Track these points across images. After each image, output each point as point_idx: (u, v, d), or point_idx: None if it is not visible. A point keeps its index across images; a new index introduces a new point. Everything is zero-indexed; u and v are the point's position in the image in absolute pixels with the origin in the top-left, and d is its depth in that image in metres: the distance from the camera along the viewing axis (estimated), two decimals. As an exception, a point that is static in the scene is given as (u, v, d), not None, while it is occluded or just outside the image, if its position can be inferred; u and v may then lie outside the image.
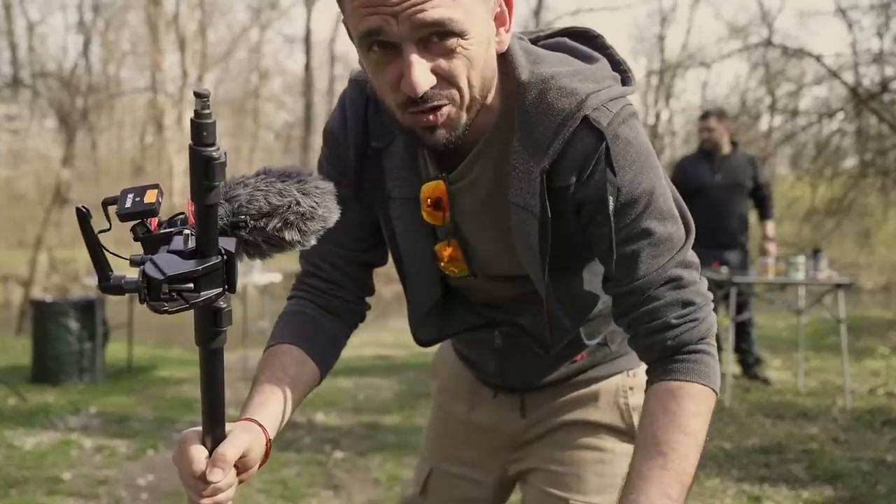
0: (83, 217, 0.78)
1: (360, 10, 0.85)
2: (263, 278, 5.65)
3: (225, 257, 0.74)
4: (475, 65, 0.89)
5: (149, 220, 0.76)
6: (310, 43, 28.97)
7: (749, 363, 5.22)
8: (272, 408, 0.97)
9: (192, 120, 0.69)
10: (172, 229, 0.76)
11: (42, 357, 5.25)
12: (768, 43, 10.62)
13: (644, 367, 1.07)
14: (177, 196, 24.88)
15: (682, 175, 5.24)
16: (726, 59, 10.20)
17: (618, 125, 0.94)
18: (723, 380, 4.52)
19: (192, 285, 0.73)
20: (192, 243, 0.73)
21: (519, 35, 1.04)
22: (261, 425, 0.94)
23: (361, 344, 8.68)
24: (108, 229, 0.78)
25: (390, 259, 1.17)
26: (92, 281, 5.66)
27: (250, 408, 0.96)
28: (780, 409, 4.43)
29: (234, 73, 31.77)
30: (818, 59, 9.12)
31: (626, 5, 37.04)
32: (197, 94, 0.67)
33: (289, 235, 0.81)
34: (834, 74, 9.07)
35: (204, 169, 0.69)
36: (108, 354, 5.69)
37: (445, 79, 0.88)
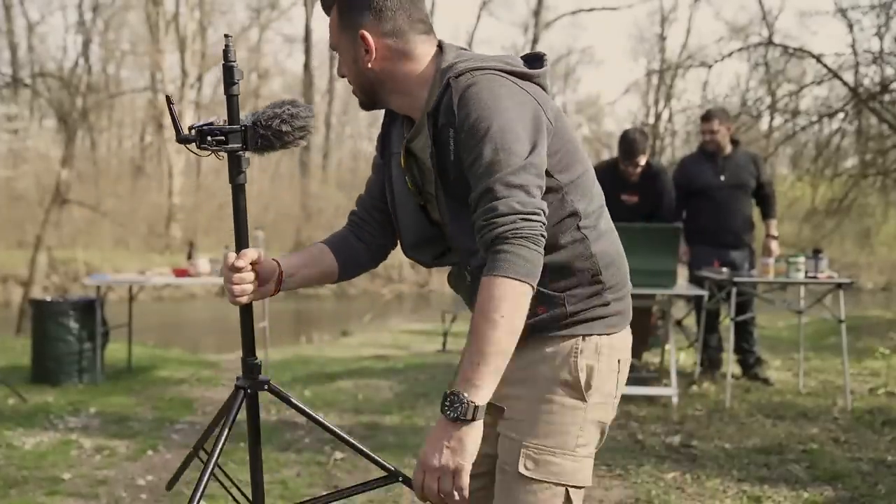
0: (168, 99, 1.45)
1: None
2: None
3: (243, 127, 1.45)
4: (351, 70, 1.52)
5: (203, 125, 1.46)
6: (309, 43, 28.95)
7: (750, 363, 5.22)
8: (294, 260, 1.57)
9: (223, 49, 1.44)
10: (213, 118, 1.45)
11: (42, 357, 5.24)
12: (769, 43, 10.62)
13: (599, 334, 1.44)
14: (177, 196, 24.91)
15: (685, 176, 5.22)
16: (726, 59, 10.17)
17: (466, 83, 1.36)
18: (723, 380, 4.51)
19: (223, 137, 1.43)
20: (287, 129, 1.47)
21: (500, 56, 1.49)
22: (277, 262, 1.53)
23: (360, 344, 8.69)
24: (171, 102, 1.45)
25: (390, 260, 1.66)
26: (91, 280, 5.65)
27: (286, 260, 1.56)
28: (780, 409, 4.43)
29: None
30: (818, 59, 9.11)
31: (626, 5, 37.09)
32: (226, 35, 1.43)
33: (284, 127, 1.46)
34: (834, 74, 9.07)
35: (230, 75, 1.43)
36: (107, 355, 5.69)
37: (341, 74, 1.57)
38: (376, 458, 1.58)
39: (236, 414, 1.50)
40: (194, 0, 27.26)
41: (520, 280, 1.25)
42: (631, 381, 5.68)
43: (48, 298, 5.53)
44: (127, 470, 3.46)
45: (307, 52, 28.95)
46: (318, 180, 28.45)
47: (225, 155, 1.45)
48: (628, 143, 5.02)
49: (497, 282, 1.25)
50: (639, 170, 5.05)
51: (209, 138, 1.39)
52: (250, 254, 1.45)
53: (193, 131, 1.41)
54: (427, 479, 1.30)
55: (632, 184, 5.09)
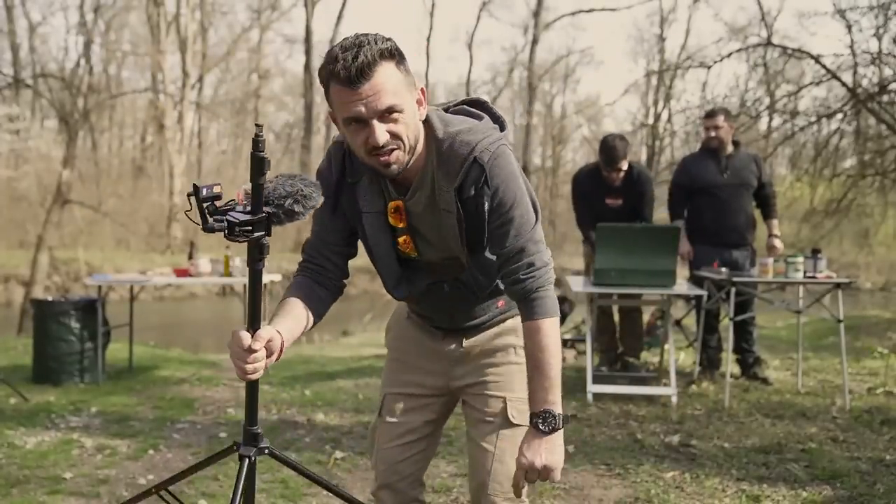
0: (195, 191, 1.42)
1: (343, 104, 1.52)
2: (264, 278, 5.65)
3: (265, 215, 1.42)
4: (409, 126, 1.55)
5: (216, 200, 1.43)
6: (310, 43, 28.95)
7: (749, 363, 5.23)
8: (286, 326, 1.61)
9: (253, 138, 1.37)
10: (233, 202, 1.45)
11: (43, 357, 5.26)
12: (767, 43, 10.61)
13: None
14: (178, 196, 24.91)
15: (686, 175, 5.22)
16: (725, 59, 10.18)
17: (492, 160, 1.59)
18: (722, 380, 4.51)
19: (250, 227, 1.41)
20: (247, 209, 1.41)
21: (435, 106, 1.69)
22: (279, 332, 1.57)
23: (360, 344, 8.71)
24: (199, 193, 1.42)
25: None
26: (92, 280, 5.66)
27: (275, 326, 1.58)
28: (779, 408, 4.45)
29: (235, 73, 31.79)
30: (817, 59, 9.12)
31: (625, 6, 37.08)
32: (256, 125, 1.39)
33: (297, 208, 1.47)
34: (833, 75, 9.07)
35: (260, 166, 1.39)
36: (108, 354, 5.70)
37: (394, 136, 1.54)
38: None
39: (245, 484, 1.56)
40: (195, 1, 27.26)
41: (556, 317, 1.66)
42: (630, 380, 5.70)
43: (50, 298, 5.54)
44: (128, 469, 3.48)
45: (308, 52, 28.95)
46: (319, 181, 28.44)
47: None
48: (609, 150, 5.10)
49: (548, 322, 1.64)
50: (621, 174, 5.14)
51: (238, 229, 1.40)
52: (264, 334, 1.50)
53: (217, 220, 1.41)
54: (527, 476, 1.63)
55: (615, 188, 5.19)
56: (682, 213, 5.25)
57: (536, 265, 1.63)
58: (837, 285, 4.52)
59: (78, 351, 5.25)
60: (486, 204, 1.59)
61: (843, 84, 9.17)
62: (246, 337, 1.47)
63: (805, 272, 4.50)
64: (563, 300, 5.38)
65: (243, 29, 30.73)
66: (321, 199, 1.50)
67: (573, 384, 5.17)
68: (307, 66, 28.69)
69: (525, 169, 1.86)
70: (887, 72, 9.00)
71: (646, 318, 6.15)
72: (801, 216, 10.36)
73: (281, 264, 20.19)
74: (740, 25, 17.73)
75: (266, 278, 5.73)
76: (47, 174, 19.13)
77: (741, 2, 46.39)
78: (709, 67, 10.94)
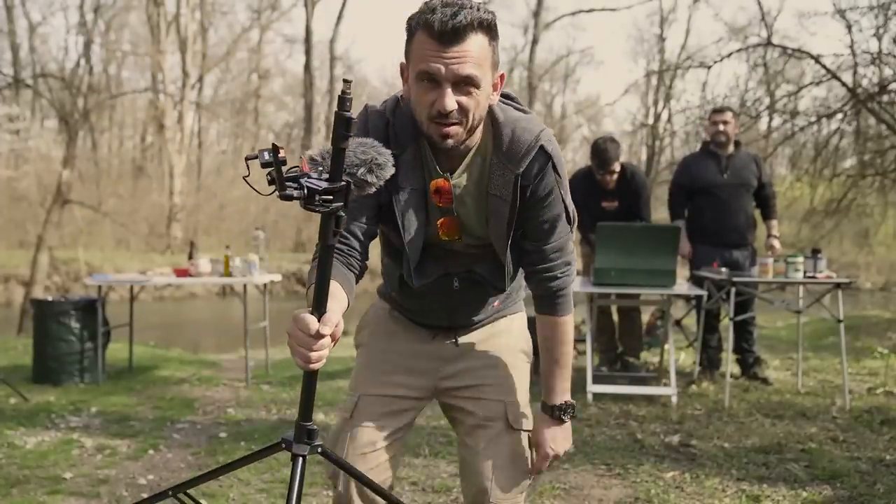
0: (274, 151, 1.23)
1: (424, 56, 1.43)
2: (264, 278, 5.66)
3: (345, 183, 1.22)
4: (479, 105, 1.48)
5: (282, 166, 1.21)
6: (310, 43, 28.97)
7: (749, 363, 5.23)
8: (339, 310, 1.42)
9: (339, 95, 1.17)
10: (296, 169, 1.25)
11: (43, 357, 5.26)
12: (767, 43, 10.62)
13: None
14: (178, 196, 24.91)
15: (687, 174, 5.22)
16: (725, 59, 10.18)
17: (555, 151, 1.58)
18: (722, 380, 4.51)
19: (330, 197, 1.21)
20: (324, 177, 1.23)
21: None
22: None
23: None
24: (279, 154, 1.22)
25: None
26: (92, 280, 5.66)
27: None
28: (779, 408, 4.44)
29: (235, 73, 31.79)
30: (817, 59, 9.12)
31: (625, 6, 37.08)
32: (344, 80, 1.18)
33: (370, 178, 1.29)
34: (833, 75, 9.07)
35: (346, 125, 1.17)
36: (108, 354, 5.70)
37: (462, 109, 1.46)
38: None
39: (300, 484, 1.39)
40: (195, 1, 27.26)
41: (573, 314, 1.75)
42: (630, 380, 5.70)
43: (50, 298, 5.54)
44: (128, 469, 3.48)
45: (308, 52, 28.96)
46: (319, 180, 28.44)
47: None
48: (601, 154, 5.11)
49: (570, 318, 1.73)
50: (615, 176, 5.15)
51: (318, 198, 1.20)
52: (333, 318, 1.32)
53: (296, 188, 1.20)
54: (550, 461, 1.74)
55: (610, 190, 5.19)
56: (682, 213, 5.25)
57: (572, 264, 1.69)
58: (837, 285, 4.52)
59: (78, 351, 5.25)
60: (544, 192, 1.58)
61: (843, 84, 9.17)
62: (313, 321, 1.30)
63: (805, 272, 4.50)
64: None
65: (243, 29, 30.76)
66: (392, 170, 1.33)
67: (573, 384, 5.16)
68: (307, 66, 28.71)
69: (558, 168, 1.82)
70: (887, 72, 9.01)
71: (645, 318, 6.15)
72: (801, 216, 10.37)
73: (281, 264, 20.23)
74: (740, 25, 17.74)
75: (266, 278, 5.73)
76: (47, 174, 19.14)
77: (741, 2, 46.44)
78: (709, 67, 10.95)
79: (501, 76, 1.53)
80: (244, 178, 1.31)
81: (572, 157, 31.85)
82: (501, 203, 1.57)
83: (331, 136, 1.19)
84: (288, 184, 1.20)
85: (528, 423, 1.76)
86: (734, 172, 5.11)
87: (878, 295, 15.47)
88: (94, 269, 17.17)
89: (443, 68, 1.42)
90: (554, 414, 1.73)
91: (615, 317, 5.59)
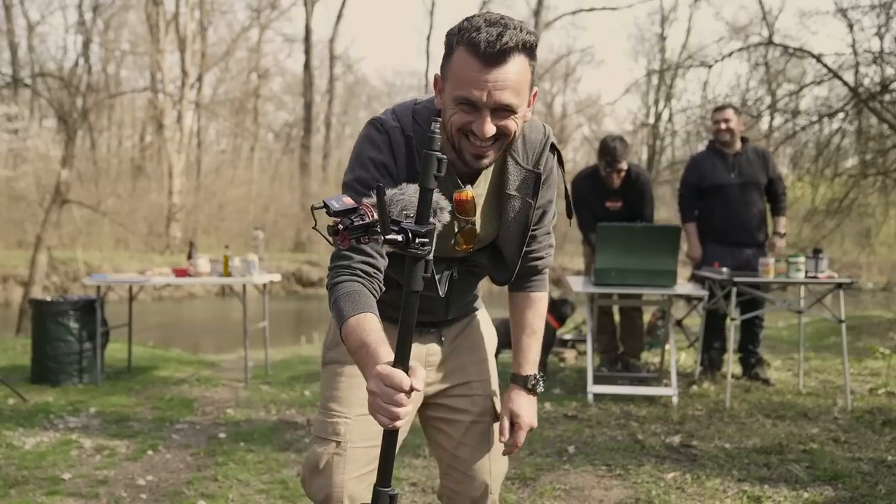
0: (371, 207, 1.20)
1: (466, 79, 1.40)
2: (263, 278, 5.64)
3: (433, 226, 1.17)
4: (517, 127, 1.48)
5: (351, 214, 1.19)
6: (309, 42, 28.97)
7: (751, 363, 5.21)
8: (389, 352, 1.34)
9: (429, 135, 1.14)
10: (361, 214, 1.19)
11: (42, 357, 5.24)
12: (769, 43, 10.60)
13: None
14: (177, 196, 24.89)
15: (696, 174, 5.18)
16: (726, 59, 10.17)
17: (556, 144, 1.65)
18: (723, 380, 4.49)
19: (427, 239, 1.16)
20: (412, 220, 1.17)
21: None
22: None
23: (361, 344, 8.68)
24: (315, 225, 1.23)
25: None
26: (91, 280, 5.64)
27: (385, 357, 1.28)
28: (780, 409, 4.43)
29: (234, 72, 31.77)
30: (818, 58, 9.10)
31: (626, 5, 37.02)
32: (433, 119, 1.16)
33: (434, 221, 1.19)
34: (834, 74, 9.06)
35: (437, 166, 1.14)
36: (107, 354, 5.69)
37: (501, 132, 1.46)
38: None
39: None
40: (194, 0, 27.25)
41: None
42: (631, 380, 5.69)
43: (48, 298, 5.52)
44: (127, 470, 3.46)
45: (307, 52, 28.96)
46: (318, 180, 28.46)
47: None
48: (610, 151, 5.11)
49: (545, 295, 1.81)
50: (621, 175, 5.14)
51: (416, 241, 1.15)
52: (420, 372, 1.22)
53: (399, 234, 1.15)
54: (526, 435, 1.77)
55: (614, 190, 5.18)
56: (693, 214, 5.20)
57: (553, 246, 1.78)
58: (839, 285, 4.50)
59: (77, 351, 5.23)
60: (549, 183, 1.65)
61: (845, 83, 9.15)
62: (405, 377, 1.19)
63: (806, 272, 4.49)
64: (564, 302, 5.36)
65: (242, 28, 30.74)
66: (449, 216, 1.23)
67: (574, 384, 5.15)
68: (307, 66, 28.71)
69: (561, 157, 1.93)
70: (889, 71, 8.99)
71: (646, 318, 6.14)
72: (802, 216, 10.34)
73: (280, 264, 20.22)
74: (741, 24, 17.71)
75: (265, 278, 5.72)
76: (46, 174, 19.11)
77: (742, 1, 46.33)
78: (710, 67, 10.94)
79: (534, 93, 1.52)
80: (314, 227, 1.26)
81: (573, 157, 31.87)
82: (521, 202, 1.61)
83: (420, 177, 1.14)
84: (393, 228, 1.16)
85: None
86: (743, 171, 5.08)
87: (880, 295, 15.44)
88: (92, 269, 17.16)
89: (484, 96, 1.40)
90: (528, 384, 1.78)
91: (616, 317, 5.58)
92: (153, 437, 3.99)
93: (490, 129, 1.42)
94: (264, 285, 5.91)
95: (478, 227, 1.62)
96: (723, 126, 5.11)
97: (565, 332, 6.81)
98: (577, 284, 4.91)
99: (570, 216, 1.73)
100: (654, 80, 25.05)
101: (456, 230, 1.58)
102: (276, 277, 6.19)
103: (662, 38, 28.66)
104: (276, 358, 6.78)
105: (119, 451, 3.75)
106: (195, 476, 3.36)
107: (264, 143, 33.03)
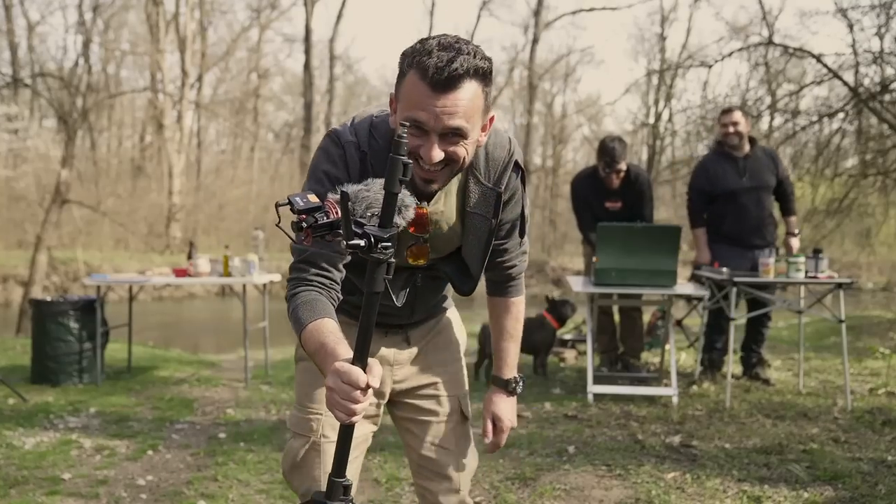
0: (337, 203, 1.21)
1: (415, 102, 1.39)
2: (263, 278, 5.64)
3: (397, 228, 1.19)
4: (467, 152, 1.47)
5: (315, 212, 1.21)
6: (309, 42, 28.93)
7: (752, 363, 5.21)
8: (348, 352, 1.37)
9: (394, 139, 1.13)
10: (321, 213, 1.22)
11: (42, 357, 5.24)
12: (769, 43, 10.61)
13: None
14: (177, 196, 24.89)
15: (706, 178, 5.09)
16: (726, 58, 10.18)
17: (522, 160, 1.64)
18: (723, 380, 4.49)
19: (390, 243, 1.16)
20: (375, 222, 1.19)
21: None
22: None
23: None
24: (279, 223, 1.26)
25: None
26: (91, 280, 5.64)
27: (344, 355, 1.31)
28: (780, 409, 4.43)
29: (234, 72, 31.78)
30: (818, 58, 9.11)
31: (626, 5, 37.00)
32: (401, 124, 1.17)
33: (398, 220, 1.21)
34: (834, 74, 9.06)
35: (403, 170, 1.14)
36: (107, 354, 5.69)
37: (450, 157, 1.44)
38: None
39: None
40: (194, 0, 27.25)
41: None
42: (631, 380, 5.68)
43: (48, 298, 5.53)
44: (127, 470, 3.46)
45: (307, 52, 28.93)
46: (318, 180, 28.41)
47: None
48: (609, 152, 5.10)
49: (521, 299, 1.85)
50: (620, 175, 5.14)
51: (380, 245, 1.16)
52: (377, 369, 1.25)
53: (362, 238, 1.16)
54: (506, 436, 1.83)
55: (614, 191, 5.18)
56: (702, 219, 5.13)
57: (527, 252, 1.81)
58: (839, 285, 4.50)
59: (77, 351, 5.23)
60: (513, 200, 1.64)
61: (845, 83, 9.16)
62: (361, 374, 1.22)
63: (806, 272, 4.48)
64: (564, 303, 5.35)
65: (242, 28, 30.74)
66: (414, 212, 1.29)
67: (574, 385, 5.15)
68: (307, 66, 28.68)
69: (526, 168, 1.91)
70: (889, 71, 8.99)
71: (646, 318, 6.13)
72: (802, 216, 10.34)
73: (280, 264, 20.22)
74: (741, 24, 17.72)
75: (265, 278, 5.72)
76: (46, 174, 19.12)
77: (742, 1, 46.33)
78: (710, 66, 10.95)
79: (491, 118, 1.52)
80: (277, 224, 1.26)
81: (573, 157, 31.85)
82: (482, 220, 1.60)
83: (385, 180, 1.14)
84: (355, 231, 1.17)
85: (470, 411, 1.87)
86: (753, 175, 5.00)
87: (880, 295, 15.45)
88: (92, 268, 17.16)
89: (431, 120, 1.39)
90: (509, 387, 1.85)
91: (616, 317, 5.58)
92: (153, 437, 3.99)
93: (437, 154, 1.41)
94: (264, 285, 5.91)
95: (433, 242, 1.62)
96: (731, 129, 5.02)
97: (565, 332, 6.81)
98: (577, 284, 4.91)
99: (526, 222, 1.72)
100: (654, 80, 25.06)
101: (408, 245, 1.58)
102: (276, 277, 6.18)
103: (662, 38, 28.66)
104: (276, 358, 6.79)
105: (119, 451, 3.75)
106: (195, 476, 3.36)
107: (264, 143, 33.04)
